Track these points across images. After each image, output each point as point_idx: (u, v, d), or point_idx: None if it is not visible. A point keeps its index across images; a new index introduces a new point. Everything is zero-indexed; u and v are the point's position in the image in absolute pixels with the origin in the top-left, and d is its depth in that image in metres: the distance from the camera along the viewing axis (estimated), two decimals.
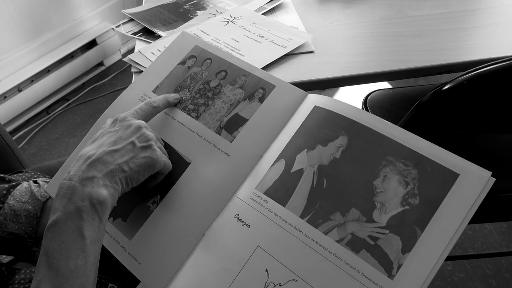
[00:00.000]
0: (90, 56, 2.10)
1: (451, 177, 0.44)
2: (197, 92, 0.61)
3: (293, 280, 0.44)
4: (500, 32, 0.82)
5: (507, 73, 0.62)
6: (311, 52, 0.82)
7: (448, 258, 1.27)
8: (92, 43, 2.10)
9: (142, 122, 0.53)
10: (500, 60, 0.62)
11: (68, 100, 2.06)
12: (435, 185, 0.45)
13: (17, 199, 0.58)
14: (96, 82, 2.15)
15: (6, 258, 0.63)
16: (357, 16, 0.94)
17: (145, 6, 1.04)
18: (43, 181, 0.64)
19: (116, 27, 0.99)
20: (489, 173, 0.44)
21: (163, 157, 0.52)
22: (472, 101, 0.69)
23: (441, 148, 0.46)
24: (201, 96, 0.61)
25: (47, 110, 2.01)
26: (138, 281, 0.73)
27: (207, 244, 0.50)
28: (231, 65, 0.63)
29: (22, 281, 0.59)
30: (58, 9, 1.95)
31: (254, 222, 0.49)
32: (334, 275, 0.43)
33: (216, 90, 0.61)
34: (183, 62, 0.66)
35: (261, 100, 0.58)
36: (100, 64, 2.21)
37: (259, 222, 0.48)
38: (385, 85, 1.78)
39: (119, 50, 2.26)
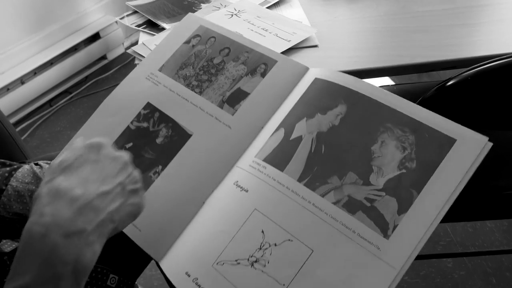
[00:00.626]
0: (93, 49, 2.10)
1: (448, 142, 0.45)
2: (201, 69, 0.63)
3: (289, 240, 0.45)
4: (505, 29, 0.82)
5: (511, 69, 0.62)
6: (315, 46, 0.82)
7: (449, 255, 1.27)
8: (95, 36, 2.09)
9: (127, 155, 0.44)
10: (504, 56, 0.61)
11: (71, 93, 2.06)
12: (432, 150, 0.46)
13: (20, 180, 0.58)
14: (99, 75, 2.15)
15: (8, 248, 0.63)
16: (362, 10, 0.93)
17: None
18: (45, 162, 0.64)
19: (120, 19, 0.99)
20: (486, 138, 0.45)
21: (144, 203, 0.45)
22: (476, 97, 0.68)
23: (438, 115, 0.47)
24: (204, 73, 0.63)
25: (50, 102, 2.02)
26: (139, 272, 0.74)
27: (207, 211, 0.51)
28: (234, 42, 0.64)
29: None
30: (61, 2, 1.94)
31: (252, 187, 0.50)
32: (330, 235, 0.44)
33: (219, 66, 0.63)
34: (188, 41, 0.67)
35: (263, 75, 0.60)
36: (103, 57, 2.20)
37: (256, 187, 0.49)
38: (388, 81, 1.77)
39: (123, 43, 2.26)
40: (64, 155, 0.41)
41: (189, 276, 0.47)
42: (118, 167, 0.42)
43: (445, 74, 1.63)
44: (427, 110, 0.48)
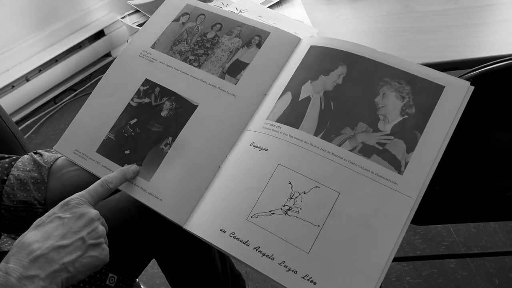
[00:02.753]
0: (98, 46, 2.10)
1: (438, 89, 0.53)
2: (196, 44, 0.65)
3: (316, 187, 0.50)
4: (509, 29, 0.81)
5: None
6: None
7: (451, 256, 1.26)
8: (99, 34, 2.10)
9: (95, 212, 0.50)
10: (507, 58, 0.61)
11: (75, 90, 2.07)
12: (426, 96, 0.53)
13: (21, 169, 0.58)
14: (103, 72, 2.12)
15: (8, 247, 0.64)
16: (364, 10, 0.93)
17: None
18: (45, 150, 0.64)
19: (122, 18, 0.99)
20: (468, 82, 0.52)
21: (108, 255, 0.50)
22: (477, 99, 0.67)
23: (427, 67, 0.54)
24: (200, 47, 0.65)
25: (55, 100, 2.03)
26: (139, 271, 0.74)
27: (226, 173, 0.55)
28: (225, 18, 0.67)
29: None
30: (66, 0, 1.95)
31: (271, 145, 0.54)
32: (352, 177, 0.50)
33: (214, 40, 0.65)
34: (177, 19, 0.68)
35: (259, 45, 0.63)
36: (108, 55, 2.21)
37: (276, 145, 0.54)
38: None
39: (127, 41, 2.26)
40: (42, 216, 0.48)
41: (224, 232, 0.50)
42: (82, 223, 0.48)
43: (454, 73, 1.62)
44: (416, 64, 0.55)
